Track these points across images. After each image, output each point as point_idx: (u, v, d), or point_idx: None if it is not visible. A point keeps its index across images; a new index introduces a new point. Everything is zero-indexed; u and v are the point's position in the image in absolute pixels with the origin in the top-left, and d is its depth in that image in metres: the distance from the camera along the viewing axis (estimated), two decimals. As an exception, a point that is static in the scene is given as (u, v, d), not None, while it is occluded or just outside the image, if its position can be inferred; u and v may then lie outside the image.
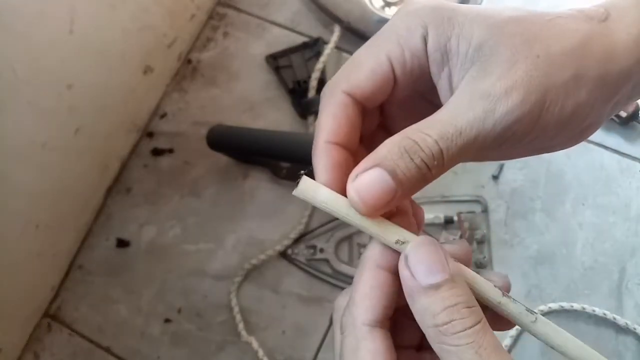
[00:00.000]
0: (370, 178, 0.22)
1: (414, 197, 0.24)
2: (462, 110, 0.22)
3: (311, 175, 0.26)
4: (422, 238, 0.22)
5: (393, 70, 0.23)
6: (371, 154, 0.22)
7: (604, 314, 0.52)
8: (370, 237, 0.24)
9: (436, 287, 0.21)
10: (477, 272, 0.23)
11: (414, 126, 0.22)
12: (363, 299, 0.23)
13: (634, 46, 0.23)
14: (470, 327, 0.21)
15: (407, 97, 0.25)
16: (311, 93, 0.62)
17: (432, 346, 0.21)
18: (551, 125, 0.22)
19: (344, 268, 0.57)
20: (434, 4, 0.23)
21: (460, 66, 0.23)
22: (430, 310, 0.21)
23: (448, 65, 0.23)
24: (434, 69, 0.24)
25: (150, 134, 0.67)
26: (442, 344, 0.21)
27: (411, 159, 0.22)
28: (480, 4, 0.64)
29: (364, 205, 0.22)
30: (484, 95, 0.22)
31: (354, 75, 0.24)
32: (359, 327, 0.22)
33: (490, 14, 0.23)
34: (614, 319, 0.52)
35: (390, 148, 0.22)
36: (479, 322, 0.21)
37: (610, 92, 0.23)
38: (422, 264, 0.22)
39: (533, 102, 0.21)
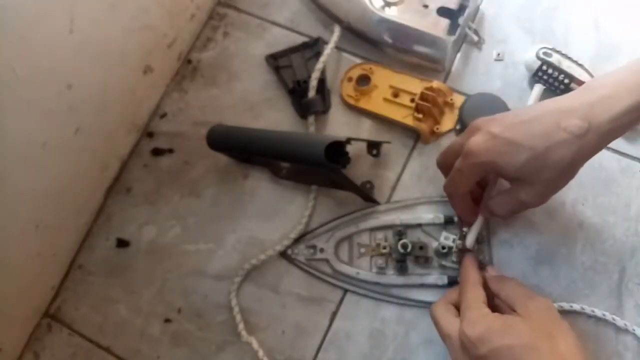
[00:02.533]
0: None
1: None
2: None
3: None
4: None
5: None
6: None
7: (604, 315, 0.52)
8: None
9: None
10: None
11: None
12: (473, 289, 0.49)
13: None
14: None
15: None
16: (311, 93, 0.62)
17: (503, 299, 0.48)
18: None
19: (344, 268, 0.57)
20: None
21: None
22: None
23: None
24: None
25: (150, 134, 0.67)
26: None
27: None
28: (480, 4, 0.64)
29: None
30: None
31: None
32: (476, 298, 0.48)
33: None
34: (614, 319, 0.52)
35: None
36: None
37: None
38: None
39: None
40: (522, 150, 0.44)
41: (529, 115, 0.46)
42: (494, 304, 0.49)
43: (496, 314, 0.45)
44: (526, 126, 0.45)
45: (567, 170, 0.45)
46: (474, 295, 0.47)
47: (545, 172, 0.44)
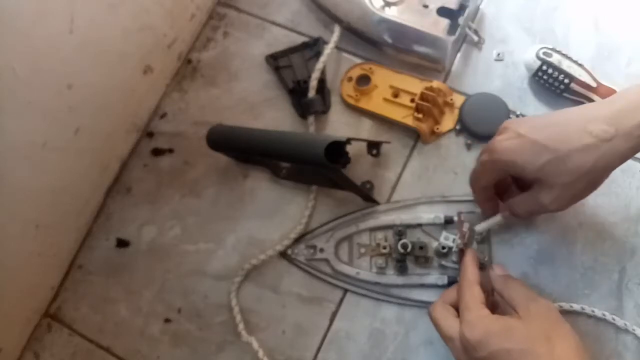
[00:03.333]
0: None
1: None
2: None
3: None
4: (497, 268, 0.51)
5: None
6: None
7: (604, 315, 0.52)
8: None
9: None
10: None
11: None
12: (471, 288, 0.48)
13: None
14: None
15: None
16: (311, 93, 0.62)
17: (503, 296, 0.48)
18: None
19: (344, 268, 0.57)
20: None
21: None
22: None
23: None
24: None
25: (150, 134, 0.67)
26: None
27: None
28: (480, 4, 0.64)
29: None
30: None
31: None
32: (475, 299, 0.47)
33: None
34: (614, 319, 0.52)
35: None
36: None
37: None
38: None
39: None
40: (544, 152, 0.44)
41: (556, 119, 0.46)
42: (494, 300, 0.50)
43: (495, 316, 0.45)
44: (552, 129, 0.45)
45: (590, 176, 0.44)
46: (472, 295, 0.47)
47: (566, 176, 0.44)
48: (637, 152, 0.44)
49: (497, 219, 0.53)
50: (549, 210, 0.46)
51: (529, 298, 0.46)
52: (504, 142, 0.46)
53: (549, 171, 0.44)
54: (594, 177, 0.44)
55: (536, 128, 0.45)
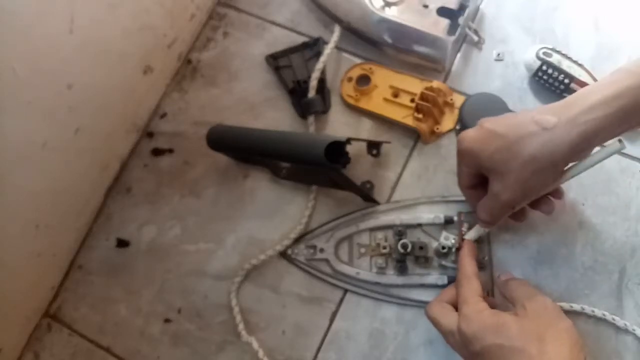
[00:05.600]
0: None
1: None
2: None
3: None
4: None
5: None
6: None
7: (604, 315, 0.52)
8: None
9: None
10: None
11: None
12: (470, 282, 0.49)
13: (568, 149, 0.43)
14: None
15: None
16: (311, 93, 0.62)
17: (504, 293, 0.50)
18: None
19: (344, 268, 0.57)
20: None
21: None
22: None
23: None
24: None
25: (150, 134, 0.67)
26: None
27: None
28: (480, 4, 0.64)
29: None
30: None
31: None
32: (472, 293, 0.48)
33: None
34: (614, 319, 0.52)
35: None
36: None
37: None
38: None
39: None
40: (495, 139, 0.45)
41: (518, 112, 0.48)
42: (492, 301, 0.50)
43: (492, 311, 0.46)
44: (507, 119, 0.47)
45: (535, 165, 0.44)
46: (471, 288, 0.48)
47: (512, 162, 0.44)
48: (591, 141, 0.43)
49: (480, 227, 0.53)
50: (502, 202, 0.46)
51: (526, 296, 0.47)
52: (468, 132, 0.48)
53: (498, 159, 0.45)
54: (539, 166, 0.44)
55: (497, 120, 0.47)
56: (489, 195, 0.48)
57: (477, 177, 0.50)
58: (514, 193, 0.46)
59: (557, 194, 0.51)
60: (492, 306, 0.47)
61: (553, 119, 0.43)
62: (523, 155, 0.44)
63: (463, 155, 0.48)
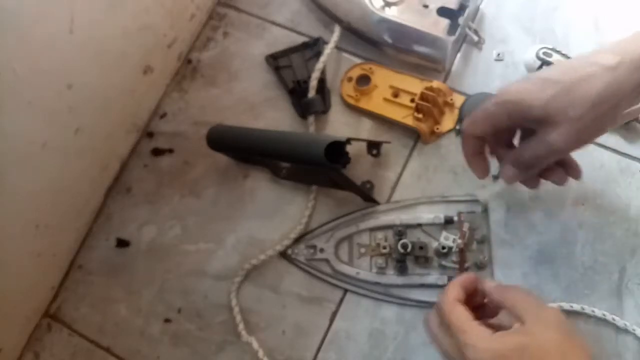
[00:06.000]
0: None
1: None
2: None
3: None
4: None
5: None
6: None
7: (604, 315, 0.52)
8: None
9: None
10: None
11: None
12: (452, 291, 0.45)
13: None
14: None
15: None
16: (311, 93, 0.62)
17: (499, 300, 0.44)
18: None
19: (344, 268, 0.57)
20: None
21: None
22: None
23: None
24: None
25: (150, 134, 0.67)
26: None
27: None
28: (480, 4, 0.64)
29: None
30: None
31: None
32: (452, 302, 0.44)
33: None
34: (614, 319, 0.52)
35: None
36: None
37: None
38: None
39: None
40: (550, 85, 0.41)
41: (567, 60, 0.45)
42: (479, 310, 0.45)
43: (500, 334, 0.41)
44: (560, 65, 0.44)
45: (597, 109, 0.40)
46: (460, 315, 0.43)
47: (572, 108, 0.41)
48: None
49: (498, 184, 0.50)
50: (557, 150, 0.43)
51: (535, 306, 0.42)
52: (514, 84, 0.44)
53: (554, 106, 0.41)
54: (601, 110, 0.41)
55: (547, 69, 0.45)
56: (537, 141, 0.43)
57: (499, 129, 0.46)
58: (572, 140, 0.42)
59: (575, 172, 0.48)
60: (491, 327, 0.42)
61: (615, 57, 0.40)
62: (584, 99, 0.40)
63: (508, 105, 0.44)
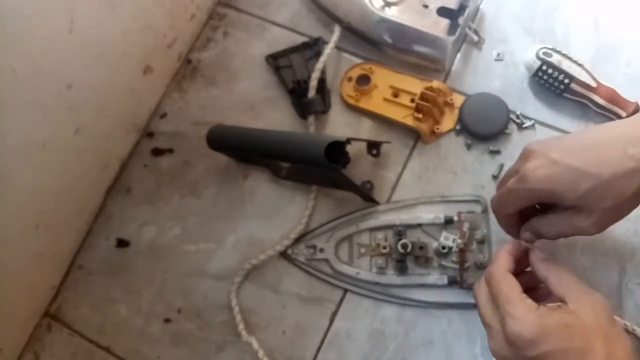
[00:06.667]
0: None
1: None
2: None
3: None
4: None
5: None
6: None
7: (604, 314, 0.52)
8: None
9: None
10: None
11: None
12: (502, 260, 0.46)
13: None
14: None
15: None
16: (311, 93, 0.62)
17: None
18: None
19: (344, 268, 0.57)
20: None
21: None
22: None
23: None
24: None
25: (150, 134, 0.67)
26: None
27: None
28: (480, 4, 0.64)
29: None
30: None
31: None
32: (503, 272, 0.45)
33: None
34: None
35: None
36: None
37: None
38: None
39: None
40: (585, 178, 0.42)
41: (590, 141, 0.44)
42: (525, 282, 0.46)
43: (545, 308, 0.42)
44: (589, 153, 0.43)
45: (632, 200, 0.42)
46: (509, 286, 0.44)
47: (608, 201, 0.42)
48: None
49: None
50: (586, 233, 0.44)
51: (581, 289, 0.43)
52: (538, 171, 0.43)
53: (591, 197, 0.42)
54: (636, 200, 0.42)
55: (570, 152, 0.43)
56: (563, 221, 0.44)
57: (528, 205, 0.47)
58: (604, 227, 0.44)
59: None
60: (537, 300, 0.43)
61: None
62: (623, 195, 0.41)
63: (535, 193, 0.44)
